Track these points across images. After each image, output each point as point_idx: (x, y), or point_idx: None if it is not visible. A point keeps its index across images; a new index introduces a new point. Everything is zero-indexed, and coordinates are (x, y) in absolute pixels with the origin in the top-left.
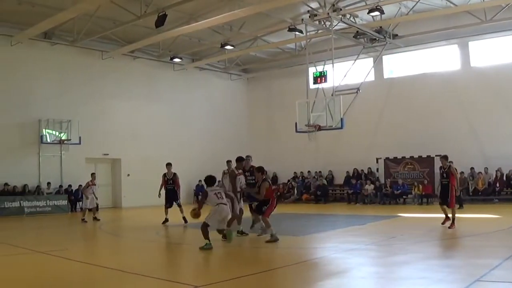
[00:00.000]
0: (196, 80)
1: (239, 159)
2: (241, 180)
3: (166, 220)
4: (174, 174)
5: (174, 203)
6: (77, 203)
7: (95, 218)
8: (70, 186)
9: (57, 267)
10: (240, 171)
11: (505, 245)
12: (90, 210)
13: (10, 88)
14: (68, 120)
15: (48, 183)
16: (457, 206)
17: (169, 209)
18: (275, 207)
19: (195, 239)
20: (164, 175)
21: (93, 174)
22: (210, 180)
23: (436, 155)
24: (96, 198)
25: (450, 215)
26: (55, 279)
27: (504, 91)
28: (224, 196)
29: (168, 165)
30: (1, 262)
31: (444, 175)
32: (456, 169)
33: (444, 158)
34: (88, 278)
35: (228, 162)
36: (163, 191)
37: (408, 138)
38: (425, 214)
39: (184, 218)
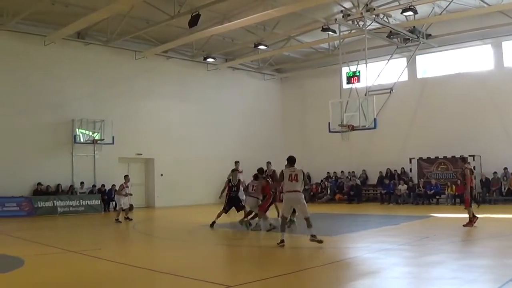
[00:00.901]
0: (229, 80)
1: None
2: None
3: (214, 223)
4: (239, 180)
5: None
6: (110, 202)
7: (127, 218)
8: (103, 185)
9: (89, 267)
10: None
11: None
12: (123, 210)
13: (44, 88)
14: (101, 120)
15: (82, 183)
16: (475, 205)
17: (223, 214)
18: (271, 203)
19: (227, 239)
20: (229, 180)
21: (126, 177)
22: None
23: (469, 155)
24: (131, 195)
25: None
26: (87, 278)
27: None
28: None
29: (234, 171)
30: (34, 262)
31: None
32: (471, 170)
33: (462, 160)
34: (121, 278)
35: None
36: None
37: (441, 138)
38: (458, 215)
39: (246, 221)
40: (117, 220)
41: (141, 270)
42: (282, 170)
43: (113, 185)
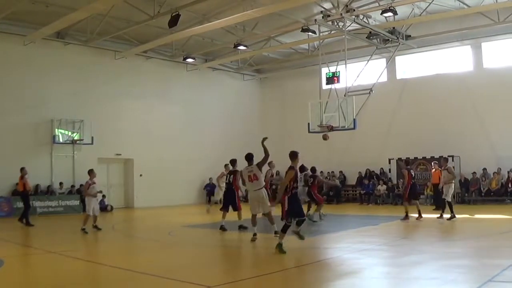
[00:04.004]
0: (209, 80)
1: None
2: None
3: (222, 227)
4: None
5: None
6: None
7: (95, 227)
8: (82, 186)
9: (69, 268)
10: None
11: None
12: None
13: (23, 87)
14: (81, 120)
15: (61, 183)
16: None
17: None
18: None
19: (209, 240)
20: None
21: (91, 172)
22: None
23: (448, 156)
24: (101, 193)
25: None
26: (66, 279)
27: None
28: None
29: (230, 164)
30: (14, 262)
31: None
32: (409, 171)
33: (439, 161)
34: (100, 278)
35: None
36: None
37: (421, 138)
38: (437, 215)
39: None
40: (83, 229)
41: (121, 270)
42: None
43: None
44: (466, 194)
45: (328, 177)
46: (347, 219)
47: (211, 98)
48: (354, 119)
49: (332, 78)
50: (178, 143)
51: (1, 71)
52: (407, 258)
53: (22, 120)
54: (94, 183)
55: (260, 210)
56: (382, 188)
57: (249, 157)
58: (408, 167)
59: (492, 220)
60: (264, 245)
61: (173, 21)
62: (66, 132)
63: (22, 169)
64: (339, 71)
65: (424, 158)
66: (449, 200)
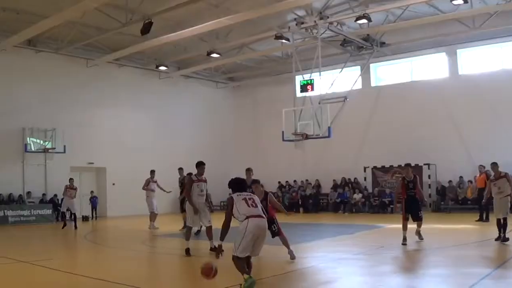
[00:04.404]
0: (182, 88)
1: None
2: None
3: (199, 231)
4: (185, 177)
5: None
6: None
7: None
8: (55, 195)
9: (41, 277)
10: (202, 177)
11: (495, 254)
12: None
13: None
14: (53, 128)
15: (28, 192)
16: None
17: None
18: None
19: (181, 249)
20: (179, 179)
21: (71, 180)
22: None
23: (424, 164)
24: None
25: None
26: None
27: (493, 99)
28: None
29: (180, 169)
30: None
31: (410, 185)
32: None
33: (410, 166)
34: None
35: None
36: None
37: (396, 146)
38: (413, 224)
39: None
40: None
41: (93, 280)
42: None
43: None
44: (442, 203)
45: (303, 186)
46: (323, 228)
47: (184, 106)
48: (329, 127)
49: (306, 86)
50: (151, 151)
51: None
52: (384, 267)
53: None
54: (75, 189)
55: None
56: (357, 196)
57: (199, 165)
58: (403, 175)
59: (469, 229)
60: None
61: (146, 29)
62: (38, 141)
63: None
64: (313, 79)
65: (399, 166)
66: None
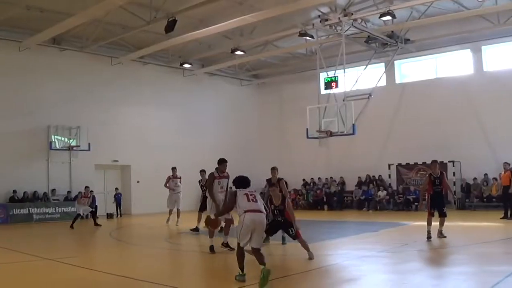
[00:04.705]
0: (206, 86)
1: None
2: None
3: (197, 229)
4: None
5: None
6: (96, 208)
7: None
8: (80, 193)
9: (66, 275)
10: (224, 174)
11: None
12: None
13: (19, 94)
14: (77, 126)
15: (53, 190)
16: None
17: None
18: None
19: (206, 246)
20: (199, 181)
21: (87, 188)
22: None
23: (449, 161)
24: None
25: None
26: (63, 286)
27: None
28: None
29: (202, 171)
30: (10, 269)
31: (437, 181)
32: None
33: (436, 162)
34: (97, 286)
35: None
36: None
37: (421, 143)
38: (436, 222)
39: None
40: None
41: (118, 277)
42: (212, 174)
43: (91, 192)
44: (467, 200)
45: (327, 183)
46: (347, 225)
47: (208, 104)
48: (353, 124)
49: (331, 83)
50: (175, 149)
51: None
52: (407, 264)
53: (18, 127)
54: (87, 197)
55: None
56: (382, 193)
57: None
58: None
59: (494, 226)
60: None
61: (170, 27)
62: (63, 139)
63: None
64: (337, 76)
65: (424, 163)
66: None
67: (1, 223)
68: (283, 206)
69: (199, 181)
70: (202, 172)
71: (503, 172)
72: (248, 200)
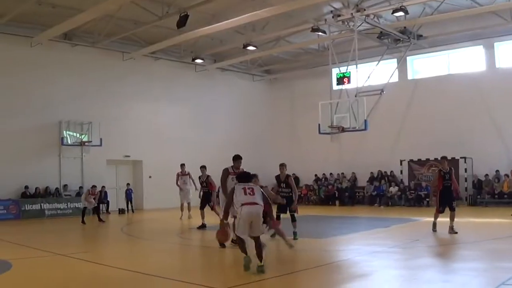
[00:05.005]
0: (218, 81)
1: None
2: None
3: (204, 225)
4: (208, 176)
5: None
6: (100, 205)
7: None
8: (87, 189)
9: (77, 270)
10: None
11: None
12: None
13: (30, 89)
14: (89, 121)
15: (65, 185)
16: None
17: (204, 212)
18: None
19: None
20: (199, 177)
21: (94, 187)
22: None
23: (460, 157)
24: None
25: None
26: (75, 281)
27: None
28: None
29: (202, 167)
30: (22, 265)
31: (446, 176)
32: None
33: (445, 159)
34: (109, 281)
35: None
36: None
37: (433, 139)
38: (446, 218)
39: (204, 224)
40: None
41: (129, 272)
42: (226, 170)
43: (103, 187)
44: (479, 196)
45: (339, 179)
46: (358, 221)
47: (220, 99)
48: (365, 120)
49: (343, 79)
50: (186, 144)
51: (8, 73)
52: (419, 260)
53: (29, 122)
54: (94, 194)
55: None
56: (394, 189)
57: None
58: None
59: (505, 223)
60: (273, 248)
61: (182, 22)
62: (74, 134)
63: None
64: (349, 72)
65: (436, 159)
66: None
67: (13, 218)
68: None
69: (199, 177)
70: (203, 168)
71: None
72: (245, 194)
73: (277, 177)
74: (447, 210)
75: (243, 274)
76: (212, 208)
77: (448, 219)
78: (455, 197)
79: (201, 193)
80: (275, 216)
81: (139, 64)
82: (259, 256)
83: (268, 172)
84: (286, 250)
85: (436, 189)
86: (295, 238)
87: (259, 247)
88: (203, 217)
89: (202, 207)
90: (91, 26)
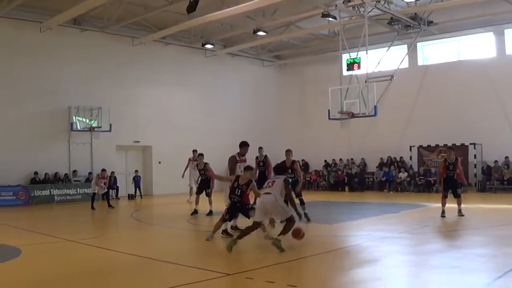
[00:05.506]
0: (228, 67)
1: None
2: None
3: (195, 211)
4: (205, 164)
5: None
6: (109, 191)
7: (110, 206)
8: (97, 174)
9: (87, 256)
10: (244, 157)
11: None
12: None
13: (40, 75)
14: (99, 107)
15: (74, 171)
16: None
17: (199, 198)
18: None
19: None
20: (197, 165)
21: (104, 171)
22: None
23: (470, 143)
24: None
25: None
26: (85, 267)
27: None
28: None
29: (200, 155)
30: (31, 251)
31: (451, 167)
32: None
33: (451, 149)
34: (119, 266)
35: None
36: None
37: (442, 125)
38: (454, 204)
39: (210, 211)
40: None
41: (140, 258)
42: (234, 158)
43: (112, 172)
44: (488, 182)
45: (348, 165)
46: (368, 206)
47: (230, 85)
48: (375, 106)
49: (353, 64)
50: (196, 129)
51: (18, 58)
52: (428, 246)
53: (39, 108)
54: (104, 178)
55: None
56: (403, 175)
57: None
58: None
59: None
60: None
61: (192, 7)
62: (84, 120)
63: None
64: (359, 57)
65: (445, 145)
66: None
67: (23, 204)
68: (246, 187)
69: (196, 165)
70: (200, 156)
71: None
72: (266, 186)
73: (283, 163)
74: (452, 196)
75: (252, 258)
76: (208, 195)
77: (456, 205)
78: (460, 185)
79: (199, 179)
80: None
81: (149, 49)
82: (282, 233)
83: (276, 157)
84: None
85: (440, 178)
86: (308, 220)
87: (286, 226)
88: (197, 203)
89: (199, 192)
90: (101, 11)
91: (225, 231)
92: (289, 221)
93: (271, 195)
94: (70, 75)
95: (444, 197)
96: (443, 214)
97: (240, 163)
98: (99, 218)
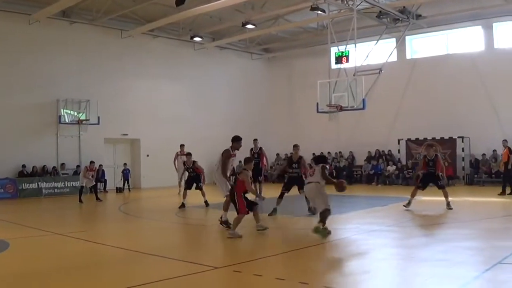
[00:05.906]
0: (217, 59)
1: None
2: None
3: (183, 205)
4: (194, 162)
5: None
6: (98, 184)
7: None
8: (85, 167)
9: (75, 249)
10: (235, 152)
11: None
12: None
13: (28, 67)
14: (87, 100)
15: (62, 164)
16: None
17: (188, 193)
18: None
19: (215, 220)
20: (184, 163)
21: (92, 163)
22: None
23: (458, 137)
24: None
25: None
26: (73, 261)
27: None
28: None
29: (188, 155)
30: (19, 244)
31: (430, 163)
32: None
33: (431, 146)
34: (107, 260)
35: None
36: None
37: (430, 119)
38: (441, 198)
39: (206, 202)
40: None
41: (128, 251)
42: (228, 152)
43: (100, 165)
44: (476, 176)
45: (337, 158)
46: (356, 199)
47: (218, 77)
48: (363, 99)
49: (341, 58)
50: (185, 123)
51: (6, 50)
52: (415, 239)
53: (27, 101)
54: (93, 170)
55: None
56: (391, 168)
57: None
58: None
59: (502, 202)
60: (271, 227)
61: (181, 0)
62: (72, 112)
63: None
64: (348, 51)
65: (433, 138)
66: None
67: (11, 198)
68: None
69: (184, 163)
70: (189, 155)
71: (503, 149)
72: (308, 175)
73: (289, 158)
74: (433, 190)
75: (239, 253)
76: (199, 188)
77: (443, 198)
78: (441, 176)
79: (188, 176)
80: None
81: (138, 42)
82: (321, 221)
83: (265, 149)
84: (286, 228)
85: (417, 174)
86: (313, 213)
87: (321, 215)
88: (184, 197)
89: (188, 188)
90: (90, 4)
91: (225, 222)
92: (326, 211)
93: (312, 184)
94: (58, 68)
95: (417, 188)
96: (408, 203)
97: (234, 157)
98: (87, 211)
